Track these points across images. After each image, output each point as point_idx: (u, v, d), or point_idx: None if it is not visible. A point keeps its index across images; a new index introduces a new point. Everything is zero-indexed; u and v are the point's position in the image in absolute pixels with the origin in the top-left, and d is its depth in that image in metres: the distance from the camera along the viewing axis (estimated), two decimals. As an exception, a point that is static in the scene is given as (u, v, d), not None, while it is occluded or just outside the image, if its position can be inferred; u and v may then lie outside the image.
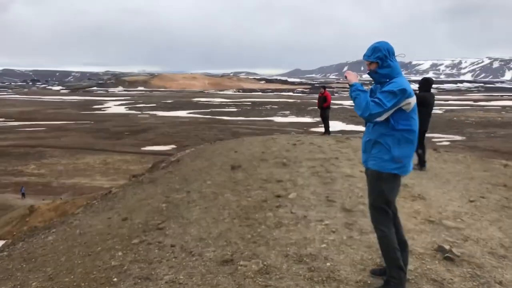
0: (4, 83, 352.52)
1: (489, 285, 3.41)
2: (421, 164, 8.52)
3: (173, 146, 54.08)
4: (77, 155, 52.91)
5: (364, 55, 3.17)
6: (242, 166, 7.63)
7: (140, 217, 5.49)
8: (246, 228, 4.73)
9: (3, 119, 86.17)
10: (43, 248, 5.07)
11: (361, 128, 40.54)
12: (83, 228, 5.53)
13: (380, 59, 3.12)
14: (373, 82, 3.31)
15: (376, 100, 3.02)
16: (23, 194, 32.76)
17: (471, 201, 6.16)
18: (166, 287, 3.47)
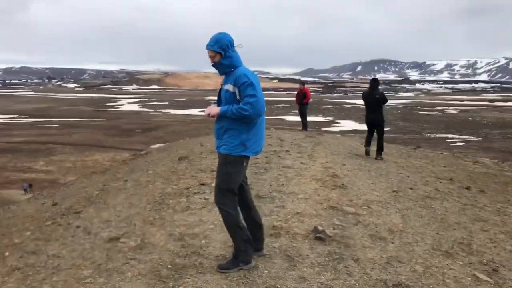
0: (21, 80, 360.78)
1: (340, 261, 3.64)
2: (379, 154, 9.11)
3: (184, 143, 54.36)
4: (86, 152, 53.76)
5: (207, 45, 3.39)
6: (189, 157, 7.93)
7: (69, 202, 5.84)
8: (153, 212, 5.03)
9: (18, 115, 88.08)
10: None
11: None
12: (16, 212, 5.92)
13: (223, 49, 3.35)
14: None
15: (248, 100, 3.22)
16: (25, 190, 33.59)
17: (394, 192, 6.34)
18: (45, 259, 3.80)
